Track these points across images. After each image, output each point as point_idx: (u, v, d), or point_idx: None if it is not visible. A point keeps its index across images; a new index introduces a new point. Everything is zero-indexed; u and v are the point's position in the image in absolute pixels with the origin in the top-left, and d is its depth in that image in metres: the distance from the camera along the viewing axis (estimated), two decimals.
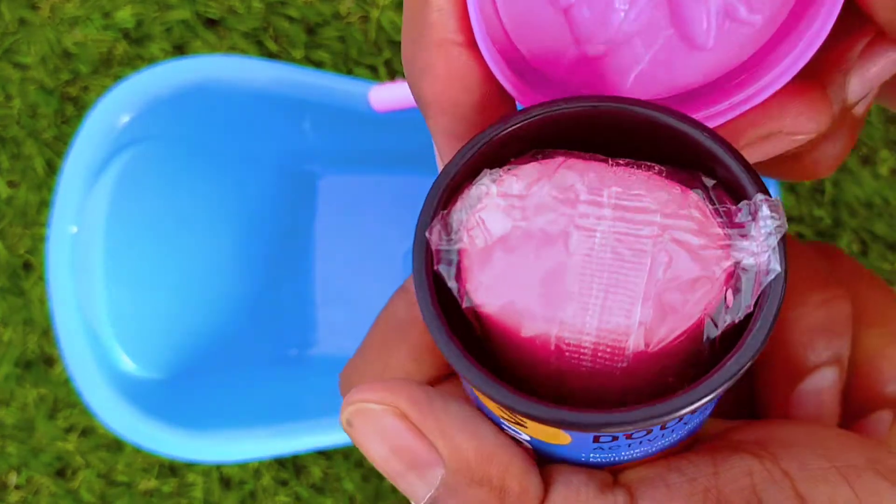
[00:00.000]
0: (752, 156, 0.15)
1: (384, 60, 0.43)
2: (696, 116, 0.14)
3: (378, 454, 0.15)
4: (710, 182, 0.13)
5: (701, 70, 0.14)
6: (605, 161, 0.13)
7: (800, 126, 0.14)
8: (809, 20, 0.13)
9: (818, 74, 0.15)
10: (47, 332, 0.45)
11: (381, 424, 0.15)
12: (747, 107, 0.14)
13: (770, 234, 0.12)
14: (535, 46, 0.14)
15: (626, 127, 0.13)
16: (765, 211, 0.12)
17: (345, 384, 0.19)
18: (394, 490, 0.43)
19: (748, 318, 0.13)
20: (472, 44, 0.14)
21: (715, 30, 0.14)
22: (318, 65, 0.44)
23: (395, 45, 0.43)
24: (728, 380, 0.12)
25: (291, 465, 0.44)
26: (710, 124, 0.14)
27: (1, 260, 0.46)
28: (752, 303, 0.12)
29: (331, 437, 0.37)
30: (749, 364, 0.12)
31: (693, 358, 0.13)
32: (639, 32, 0.14)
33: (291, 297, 0.43)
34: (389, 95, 0.37)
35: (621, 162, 0.13)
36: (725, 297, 0.13)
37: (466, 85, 0.14)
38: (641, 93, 0.14)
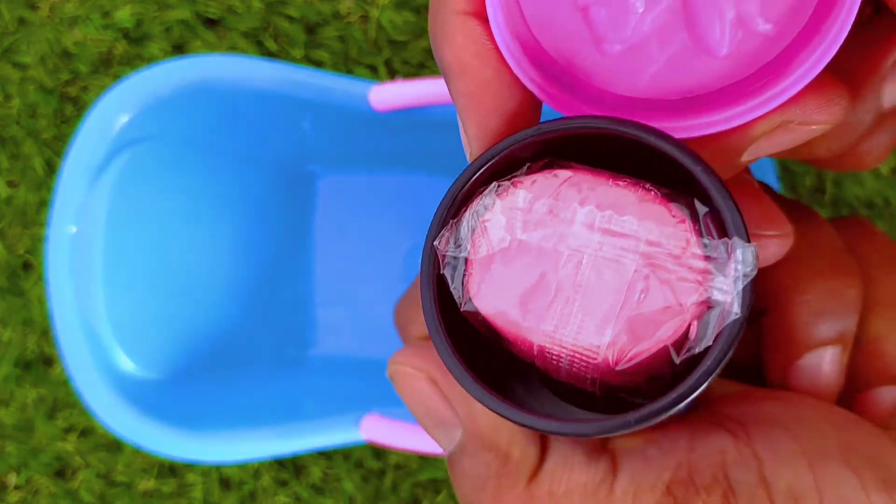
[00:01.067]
0: (771, 146, 0.15)
1: (384, 60, 0.43)
2: (712, 119, 0.15)
3: (413, 410, 0.19)
4: (703, 210, 0.14)
5: (715, 75, 0.14)
6: (609, 178, 0.15)
7: (812, 116, 0.15)
8: (825, 31, 0.13)
9: (854, 81, 0.16)
10: (46, 333, 0.45)
11: (415, 387, 0.18)
12: (762, 111, 0.14)
13: (739, 278, 0.14)
14: (554, 41, 0.15)
15: (634, 147, 0.15)
16: (738, 256, 0.14)
17: (396, 315, 0.22)
18: (394, 490, 0.43)
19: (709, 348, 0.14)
20: (486, 16, 0.15)
21: (728, 38, 0.14)
22: (318, 64, 0.44)
23: (395, 45, 0.43)
24: (674, 406, 0.14)
25: (291, 466, 0.44)
26: (725, 127, 0.15)
27: (0, 260, 0.46)
28: (713, 338, 0.14)
29: (331, 437, 0.37)
30: (694, 396, 0.14)
31: (657, 372, 0.15)
32: (654, 34, 0.14)
33: (291, 297, 0.43)
34: (389, 95, 0.36)
35: (623, 181, 0.14)
36: (690, 329, 0.14)
37: (482, 52, 0.15)
38: (656, 93, 0.15)
